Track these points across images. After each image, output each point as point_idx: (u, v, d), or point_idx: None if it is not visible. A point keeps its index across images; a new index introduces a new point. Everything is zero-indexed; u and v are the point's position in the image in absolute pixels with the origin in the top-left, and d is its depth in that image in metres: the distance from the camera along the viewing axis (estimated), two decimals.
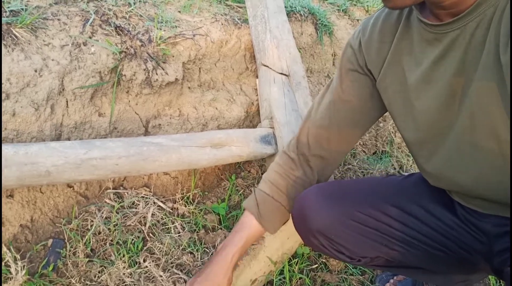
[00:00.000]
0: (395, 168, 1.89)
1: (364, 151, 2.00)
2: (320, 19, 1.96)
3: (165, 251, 1.22)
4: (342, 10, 2.25)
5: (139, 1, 1.50)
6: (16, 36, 1.10)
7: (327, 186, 0.97)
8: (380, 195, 0.93)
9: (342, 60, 0.96)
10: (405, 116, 0.85)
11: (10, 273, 1.01)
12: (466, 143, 0.75)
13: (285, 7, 1.83)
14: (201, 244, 1.27)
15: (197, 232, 1.32)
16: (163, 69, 1.34)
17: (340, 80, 0.96)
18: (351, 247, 0.90)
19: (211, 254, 1.24)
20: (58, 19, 1.22)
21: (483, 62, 0.68)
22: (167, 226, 1.30)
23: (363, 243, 0.90)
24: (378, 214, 0.89)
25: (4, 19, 1.10)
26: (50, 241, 1.14)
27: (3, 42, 1.07)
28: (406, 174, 1.02)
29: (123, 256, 1.16)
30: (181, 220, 1.33)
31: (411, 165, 1.94)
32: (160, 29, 1.38)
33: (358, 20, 2.30)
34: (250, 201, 1.04)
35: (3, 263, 1.03)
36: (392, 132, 2.09)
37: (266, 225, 1.01)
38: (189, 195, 1.43)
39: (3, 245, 1.05)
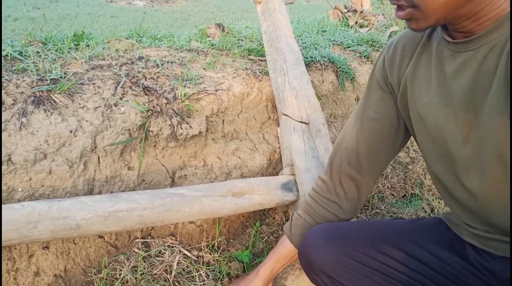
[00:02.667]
0: (425, 211, 1.84)
1: (392, 194, 1.98)
2: (340, 67, 2.02)
3: None
4: (364, 56, 2.31)
5: (167, 62, 1.64)
6: (55, 101, 1.24)
7: (332, 226, 0.99)
8: (383, 236, 0.93)
9: (369, 80, 1.00)
10: (422, 130, 0.88)
11: None
12: (477, 167, 0.77)
13: (305, 57, 1.92)
14: None
15: (221, 280, 1.35)
16: (187, 123, 1.43)
17: (367, 99, 1.00)
18: None
19: None
20: (93, 83, 1.36)
21: (494, 88, 0.71)
22: (192, 275, 1.33)
23: (364, 284, 0.90)
24: (380, 255, 0.90)
25: (44, 87, 1.24)
26: None
27: (43, 107, 1.20)
28: (414, 218, 1.02)
29: None
30: (205, 268, 1.36)
31: (442, 208, 1.89)
32: (185, 86, 1.49)
33: None
34: (287, 224, 1.15)
35: None
36: (422, 174, 2.06)
37: (296, 244, 1.08)
38: (214, 242, 1.47)
39: None
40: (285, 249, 1.12)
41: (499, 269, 0.81)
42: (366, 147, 1.01)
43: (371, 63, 2.31)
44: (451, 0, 0.68)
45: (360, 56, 2.32)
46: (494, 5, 0.69)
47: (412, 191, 2.00)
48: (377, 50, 2.45)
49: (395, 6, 0.75)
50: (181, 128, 1.41)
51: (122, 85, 1.38)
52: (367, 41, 2.51)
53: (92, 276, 1.25)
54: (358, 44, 2.43)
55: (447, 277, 0.88)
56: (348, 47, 2.37)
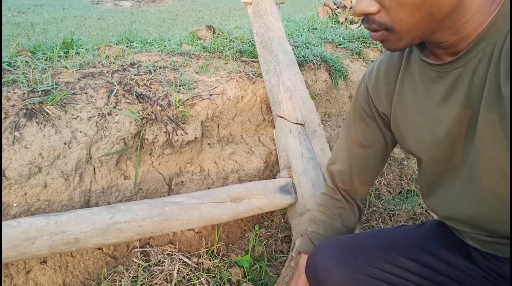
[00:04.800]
0: (422, 207, 1.85)
1: (389, 192, 1.98)
2: (333, 65, 2.01)
3: None
4: (356, 53, 2.31)
5: (160, 67, 1.62)
6: (47, 113, 1.21)
7: (338, 241, 0.97)
8: (394, 248, 0.92)
9: (353, 105, 1.01)
10: (419, 151, 0.87)
11: None
12: (474, 177, 0.77)
13: (298, 57, 1.91)
14: None
15: None
16: (182, 130, 1.42)
17: (354, 125, 1.01)
18: None
19: None
20: (86, 93, 1.34)
21: (486, 97, 0.70)
22: (192, 282, 1.33)
23: None
24: (393, 268, 0.89)
25: (36, 99, 1.22)
26: None
27: (36, 120, 1.18)
28: (418, 223, 1.01)
29: None
30: (206, 275, 1.35)
31: None
32: (179, 92, 1.47)
33: (372, 61, 2.35)
34: (305, 244, 1.10)
35: None
36: (417, 169, 2.06)
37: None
38: (214, 248, 1.46)
39: None
40: None
41: (506, 270, 0.81)
42: (358, 168, 1.04)
43: (363, 60, 2.31)
44: (422, 20, 0.67)
45: (352, 53, 2.32)
46: (472, 17, 0.68)
47: (408, 187, 2.01)
48: (368, 47, 2.45)
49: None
50: (177, 135, 1.40)
51: (115, 94, 1.36)
52: (358, 38, 2.51)
53: None
54: (349, 41, 2.43)
55: (459, 282, 0.87)
56: (340, 45, 2.36)
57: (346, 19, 2.92)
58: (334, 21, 2.94)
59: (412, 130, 0.87)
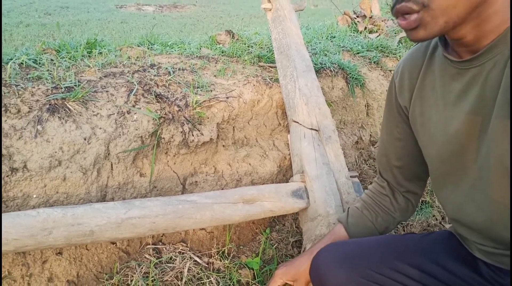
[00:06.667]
0: (436, 219, 1.83)
1: None
2: (350, 73, 2.02)
3: None
4: (374, 62, 2.31)
5: (179, 69, 1.66)
6: (69, 109, 1.26)
7: (342, 245, 0.98)
8: (397, 254, 0.92)
9: (388, 98, 1.03)
10: (431, 148, 0.88)
11: None
12: (483, 179, 0.77)
13: (315, 64, 1.92)
14: None
15: None
16: (198, 131, 1.45)
17: (386, 119, 1.04)
18: None
19: None
20: (106, 91, 1.38)
21: (499, 101, 0.71)
22: (202, 281, 1.34)
23: None
24: (395, 274, 0.89)
25: (59, 95, 1.26)
26: None
27: (58, 115, 1.22)
28: (425, 232, 1.01)
29: None
30: (216, 275, 1.37)
31: None
32: (196, 93, 1.50)
33: (390, 70, 2.34)
34: (342, 214, 1.16)
35: None
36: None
37: (351, 233, 1.09)
38: (224, 249, 1.47)
39: None
40: (341, 235, 1.11)
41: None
42: (395, 160, 1.05)
43: (381, 69, 2.31)
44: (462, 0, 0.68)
45: (370, 62, 2.32)
46: (497, 13, 0.69)
47: (423, 198, 1.99)
48: (387, 56, 2.45)
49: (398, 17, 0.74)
50: (193, 135, 1.43)
51: (134, 93, 1.40)
52: (377, 47, 2.51)
53: (104, 282, 1.26)
54: (367, 50, 2.43)
55: None
56: (358, 53, 2.37)
57: (365, 28, 2.93)
58: (353, 30, 2.95)
59: (427, 126, 0.88)
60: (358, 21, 3.03)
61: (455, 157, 0.82)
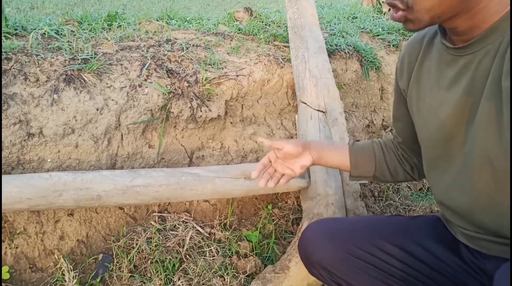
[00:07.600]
0: None
1: (409, 187, 1.98)
2: (365, 56, 2.01)
3: (198, 272, 1.33)
4: (393, 45, 2.28)
5: (193, 45, 1.70)
6: (84, 80, 1.33)
7: (330, 221, 1.03)
8: (381, 232, 0.97)
9: (395, 81, 1.05)
10: (424, 132, 0.91)
11: (65, 280, 1.19)
12: (468, 165, 0.80)
13: (330, 45, 1.92)
14: (232, 269, 1.37)
15: (230, 257, 1.42)
16: (207, 107, 1.50)
17: (394, 99, 1.07)
18: (349, 280, 0.95)
19: (240, 279, 1.34)
20: (121, 64, 1.44)
21: (487, 90, 0.73)
22: (203, 250, 1.42)
23: (361, 278, 0.94)
24: (377, 251, 0.93)
25: (76, 66, 1.33)
26: (100, 256, 1.32)
27: (73, 85, 1.29)
28: (413, 215, 1.04)
29: (160, 274, 1.30)
30: (216, 245, 1.44)
31: None
32: (207, 70, 1.54)
33: None
34: (353, 142, 1.15)
35: (59, 272, 1.22)
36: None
37: (354, 152, 1.09)
38: (226, 221, 1.54)
39: (61, 257, 1.25)
40: (341, 153, 1.10)
41: (490, 268, 0.84)
42: (401, 138, 1.08)
43: (399, 53, 2.27)
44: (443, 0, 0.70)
45: (389, 45, 2.29)
46: (487, 5, 0.70)
47: (429, 185, 1.99)
48: (407, 39, 2.41)
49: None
50: (201, 111, 1.48)
51: (147, 67, 1.45)
52: (398, 30, 2.46)
53: (111, 243, 1.36)
54: (388, 33, 2.39)
55: (442, 274, 0.91)
56: (378, 35, 2.33)
57: (389, 9, 2.86)
58: (377, 11, 2.89)
59: (422, 110, 0.90)
60: (383, 2, 2.96)
61: (445, 142, 0.85)
